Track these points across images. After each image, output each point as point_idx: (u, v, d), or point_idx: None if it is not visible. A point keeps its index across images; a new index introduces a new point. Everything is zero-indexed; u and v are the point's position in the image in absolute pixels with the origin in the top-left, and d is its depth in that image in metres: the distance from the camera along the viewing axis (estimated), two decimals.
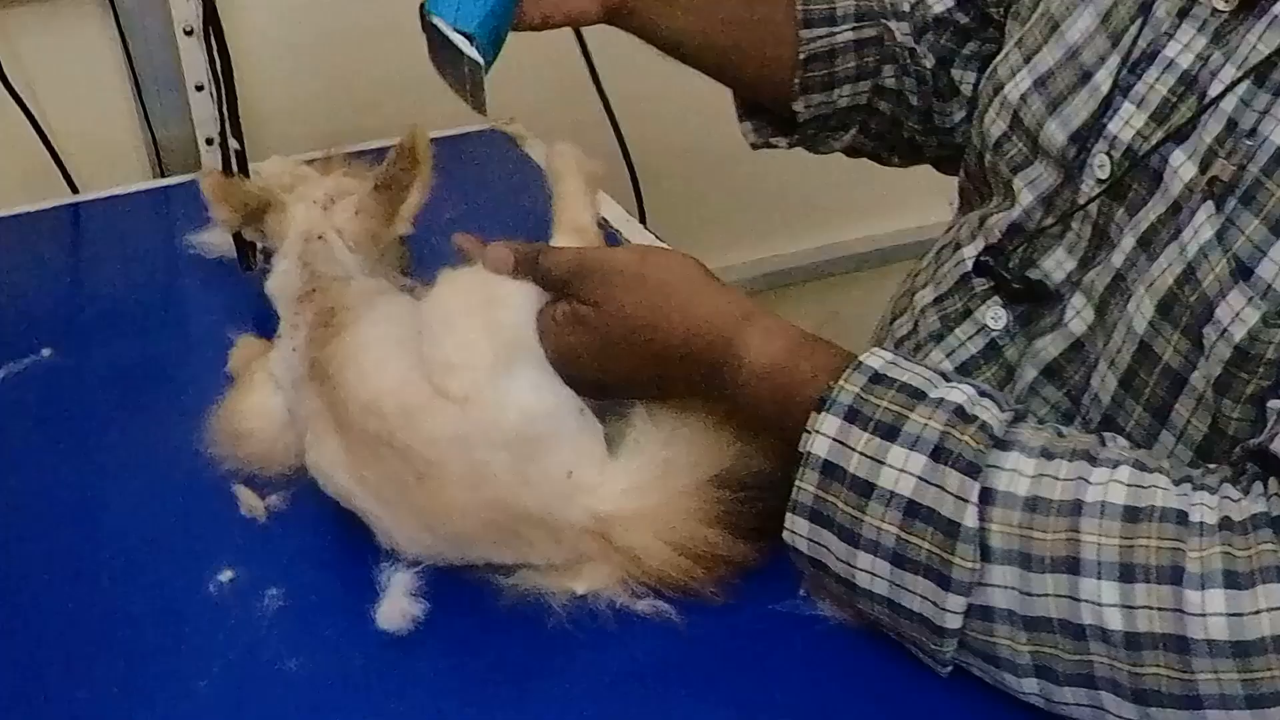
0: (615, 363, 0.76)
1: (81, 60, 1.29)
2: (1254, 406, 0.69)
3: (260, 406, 0.86)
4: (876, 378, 0.69)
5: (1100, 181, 0.81)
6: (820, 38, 1.02)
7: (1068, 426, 0.81)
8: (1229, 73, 0.73)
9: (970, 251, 0.92)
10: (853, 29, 1.03)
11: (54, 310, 1.07)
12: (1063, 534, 0.63)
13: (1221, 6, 0.75)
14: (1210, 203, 0.71)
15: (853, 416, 0.68)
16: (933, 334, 0.93)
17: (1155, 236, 0.76)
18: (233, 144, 0.98)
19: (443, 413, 0.74)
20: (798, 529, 0.70)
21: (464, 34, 0.88)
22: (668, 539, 0.73)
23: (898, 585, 0.67)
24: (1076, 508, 0.64)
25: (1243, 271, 0.68)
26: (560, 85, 1.46)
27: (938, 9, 1.04)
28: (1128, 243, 0.78)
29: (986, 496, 0.65)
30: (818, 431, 0.69)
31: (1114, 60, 0.82)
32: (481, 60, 0.89)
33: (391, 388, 0.76)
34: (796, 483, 0.69)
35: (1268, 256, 0.67)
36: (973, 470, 0.65)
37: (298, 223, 0.93)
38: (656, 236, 1.17)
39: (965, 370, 0.90)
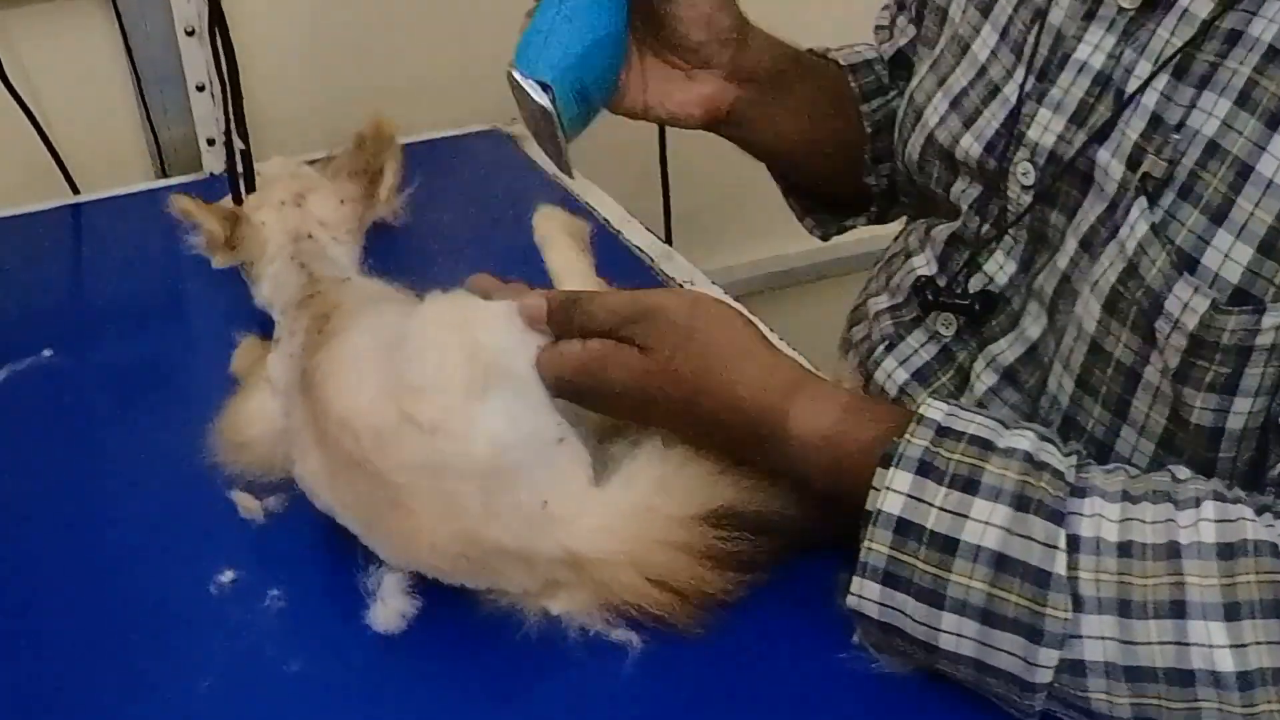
0: (651, 412, 0.74)
1: (83, 60, 1.29)
2: (1217, 395, 0.70)
3: (259, 411, 0.86)
4: (942, 430, 0.67)
5: (1026, 189, 0.81)
6: (879, 108, 1.03)
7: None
8: (1144, 68, 0.73)
9: (920, 262, 0.93)
10: (900, 92, 1.03)
11: (55, 310, 1.07)
12: (1164, 578, 0.62)
13: (1127, 4, 0.75)
14: (1143, 198, 0.72)
15: (926, 471, 0.66)
16: (885, 338, 0.93)
17: (1095, 237, 0.76)
18: (238, 144, 0.98)
19: (412, 439, 0.72)
20: (867, 594, 0.67)
21: (539, 83, 0.85)
22: (645, 574, 0.71)
23: (985, 644, 0.65)
24: (1174, 550, 0.62)
25: (1187, 263, 0.69)
26: None
27: (902, 41, 1.04)
28: (1071, 245, 0.78)
29: (1072, 544, 0.63)
30: (888, 488, 0.66)
31: (1020, 71, 0.82)
32: (553, 109, 0.85)
33: (365, 407, 0.74)
34: (865, 544, 0.66)
35: (1211, 246, 0.68)
36: (1056, 517, 0.64)
37: (273, 227, 0.92)
38: (658, 240, 1.17)
39: (922, 377, 0.90)
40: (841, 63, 1.04)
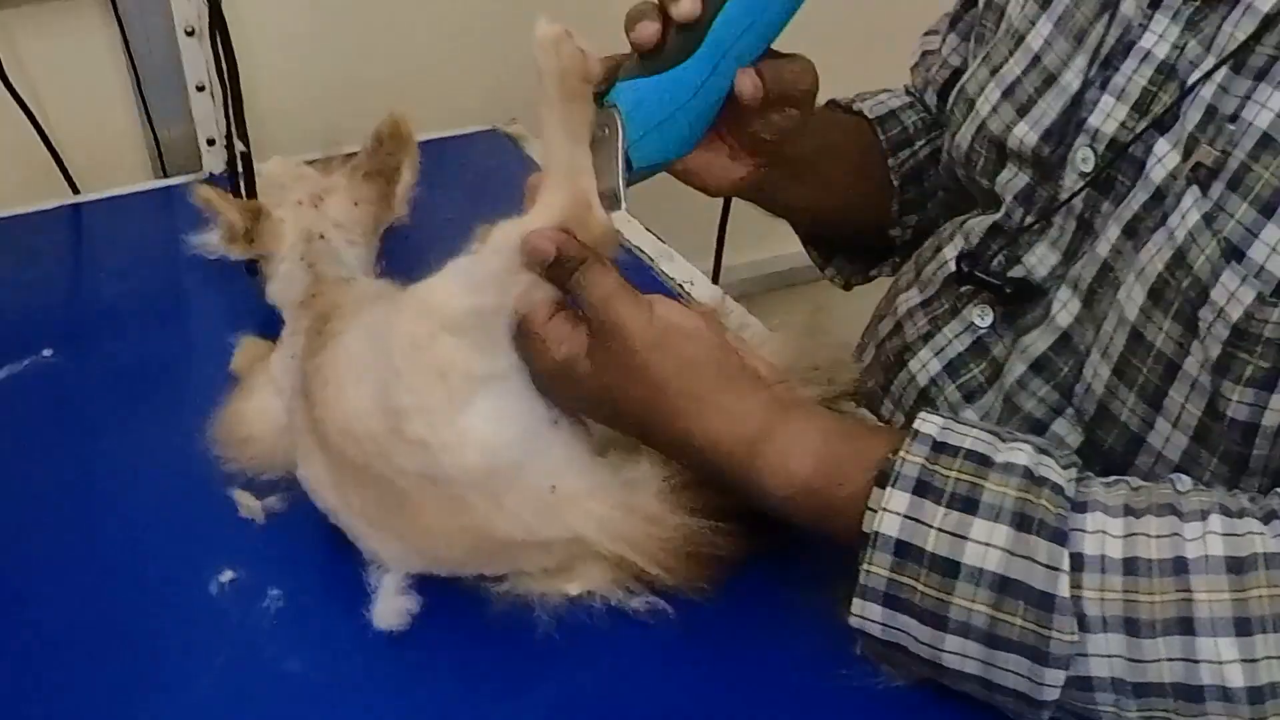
0: (607, 412, 0.73)
1: (83, 60, 1.29)
2: (1254, 389, 0.69)
3: (261, 410, 0.86)
4: (938, 446, 0.66)
5: (1083, 175, 0.81)
6: (906, 161, 1.03)
7: (1057, 419, 0.82)
8: (1208, 61, 0.73)
9: (951, 253, 0.93)
10: (927, 140, 1.04)
11: (55, 310, 1.07)
12: (1171, 595, 0.61)
13: None
14: (1195, 187, 0.71)
15: (923, 490, 0.65)
16: (922, 335, 0.93)
17: (1140, 225, 0.76)
18: (239, 145, 0.98)
19: (409, 451, 0.71)
20: (869, 615, 0.67)
21: (627, 159, 0.76)
22: (659, 539, 0.71)
23: (990, 665, 0.65)
24: (1181, 565, 0.62)
25: (1234, 254, 0.69)
26: None
27: (955, 61, 1.04)
28: (1113, 232, 0.78)
29: (1075, 562, 0.63)
30: (885, 509, 0.65)
31: (1080, 59, 0.82)
32: (621, 189, 0.76)
33: (363, 413, 0.73)
34: (864, 566, 0.66)
35: (1259, 239, 0.68)
36: (1059, 537, 0.63)
37: (290, 225, 0.92)
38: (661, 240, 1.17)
39: (953, 369, 0.90)
40: (868, 115, 1.04)
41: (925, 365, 0.92)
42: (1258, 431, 0.70)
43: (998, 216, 0.89)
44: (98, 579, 0.78)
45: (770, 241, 1.73)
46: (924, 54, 1.08)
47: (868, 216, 1.04)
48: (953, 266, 0.91)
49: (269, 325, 0.93)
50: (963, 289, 0.90)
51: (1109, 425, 0.78)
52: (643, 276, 1.09)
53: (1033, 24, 0.87)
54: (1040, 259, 0.85)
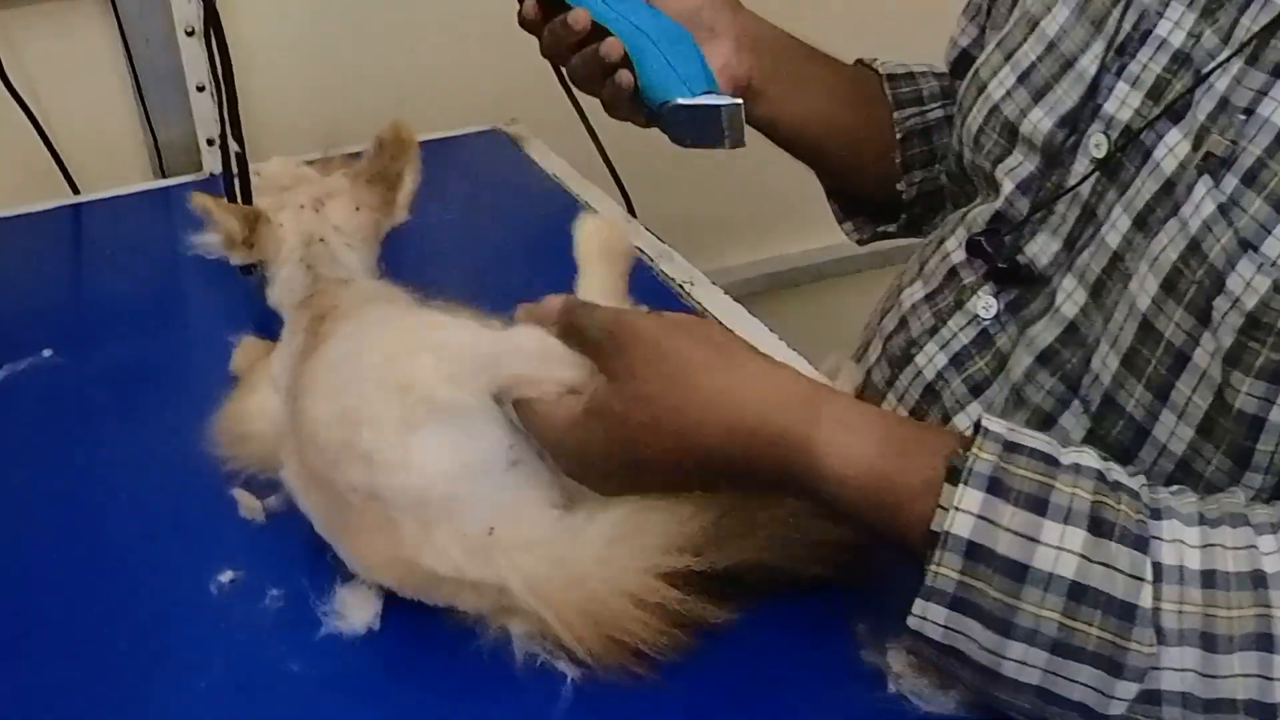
0: (642, 451, 0.68)
1: (82, 61, 1.29)
2: (1265, 382, 0.69)
3: (261, 408, 0.86)
4: (1009, 445, 0.63)
5: (1094, 160, 0.81)
6: (912, 117, 1.06)
7: (1063, 412, 0.82)
8: (1224, 51, 0.73)
9: (954, 244, 0.93)
10: (941, 106, 1.07)
11: (55, 310, 1.07)
12: (1249, 609, 0.60)
13: None
14: (1207, 177, 0.71)
15: (996, 489, 0.62)
16: (928, 329, 0.93)
17: (1151, 215, 0.76)
18: (233, 146, 0.98)
19: (357, 464, 0.71)
20: (932, 616, 0.63)
21: (707, 92, 0.94)
22: (583, 619, 0.68)
23: (1054, 674, 0.62)
24: (1260, 580, 0.60)
25: (1249, 245, 0.69)
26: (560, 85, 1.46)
27: (964, 41, 1.06)
28: (1123, 223, 0.78)
29: (1155, 572, 0.61)
30: (958, 508, 0.62)
31: (1098, 45, 0.83)
32: (739, 98, 0.94)
33: (328, 422, 0.73)
34: (933, 567, 0.62)
35: (1272, 235, 0.67)
36: (1141, 544, 0.61)
37: (290, 229, 0.92)
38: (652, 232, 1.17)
39: (959, 361, 0.90)
40: (880, 71, 1.07)
41: (932, 359, 0.92)
42: (1264, 426, 0.70)
43: (999, 205, 0.89)
44: (98, 579, 0.78)
45: (770, 241, 1.73)
46: (952, 42, 1.10)
47: (868, 158, 1.06)
48: (955, 259, 0.91)
49: (269, 325, 0.93)
50: (965, 281, 0.91)
51: (1114, 416, 0.78)
52: (643, 276, 1.09)
53: (1049, 9, 0.88)
54: (1042, 247, 0.85)
